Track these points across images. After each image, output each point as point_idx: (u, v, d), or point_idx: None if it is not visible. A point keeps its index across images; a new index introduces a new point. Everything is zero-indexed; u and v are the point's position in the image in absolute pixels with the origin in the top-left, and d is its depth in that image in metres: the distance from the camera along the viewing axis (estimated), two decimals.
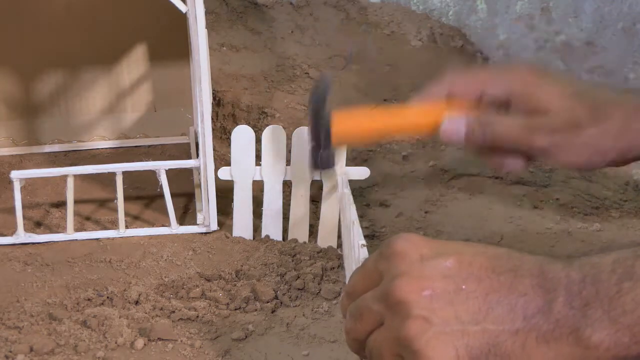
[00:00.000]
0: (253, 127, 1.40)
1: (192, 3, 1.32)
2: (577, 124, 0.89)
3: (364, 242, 1.16)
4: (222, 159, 1.60)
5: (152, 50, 1.72)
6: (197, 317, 1.20)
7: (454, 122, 0.94)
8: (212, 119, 1.42)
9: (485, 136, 0.93)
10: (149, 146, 1.75)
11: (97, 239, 1.41)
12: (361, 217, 1.49)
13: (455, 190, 1.61)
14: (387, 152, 1.72)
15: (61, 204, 1.49)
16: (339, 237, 1.42)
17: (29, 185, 1.53)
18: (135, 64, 1.73)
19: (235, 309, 1.23)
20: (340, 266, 1.35)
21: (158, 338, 1.16)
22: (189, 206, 1.53)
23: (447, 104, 0.97)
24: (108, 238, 1.42)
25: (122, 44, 1.71)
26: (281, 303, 1.25)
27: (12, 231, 1.40)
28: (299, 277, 1.29)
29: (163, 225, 1.45)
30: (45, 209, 1.51)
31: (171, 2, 1.32)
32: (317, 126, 1.02)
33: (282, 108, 1.80)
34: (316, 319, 1.22)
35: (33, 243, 1.40)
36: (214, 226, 1.44)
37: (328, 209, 1.41)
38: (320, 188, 1.42)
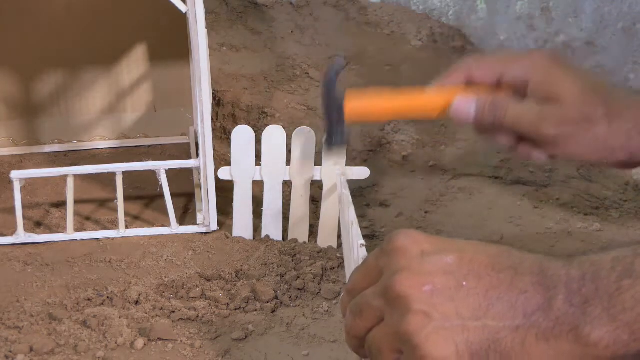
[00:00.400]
0: (253, 127, 1.40)
1: (192, 3, 1.32)
2: (589, 119, 0.89)
3: (363, 241, 1.16)
4: (222, 159, 1.60)
5: (152, 50, 1.72)
6: (197, 317, 1.20)
7: (465, 102, 0.94)
8: (212, 119, 1.42)
9: (495, 118, 0.92)
10: (149, 146, 1.75)
11: (97, 239, 1.41)
12: (361, 217, 1.49)
13: (455, 190, 1.61)
14: (387, 152, 1.72)
15: (61, 204, 1.49)
16: (339, 237, 1.42)
17: (29, 185, 1.53)
18: (135, 64, 1.73)
19: (235, 309, 1.23)
20: (340, 266, 1.35)
21: (158, 338, 1.16)
22: (189, 206, 1.53)
23: (463, 89, 0.97)
24: (108, 238, 1.42)
25: (122, 44, 1.71)
26: (281, 303, 1.25)
27: (12, 231, 1.40)
28: (299, 277, 1.29)
29: (163, 225, 1.45)
30: (45, 209, 1.51)
31: (171, 2, 1.32)
32: (330, 105, 1.02)
33: (282, 108, 1.80)
34: (316, 319, 1.22)
35: (33, 243, 1.40)
36: (214, 226, 1.44)
37: (328, 209, 1.41)
38: (320, 188, 1.42)
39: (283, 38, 1.98)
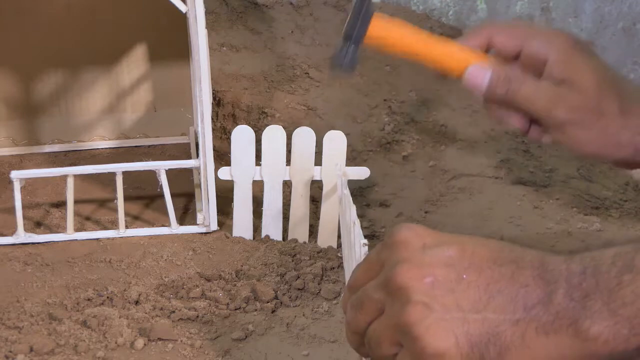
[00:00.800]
0: (253, 127, 1.40)
1: (192, 3, 1.32)
2: (602, 110, 0.87)
3: (365, 241, 1.16)
4: (222, 159, 1.60)
5: (152, 50, 1.72)
6: (197, 317, 1.20)
7: (480, 70, 0.92)
8: (212, 119, 1.42)
9: (507, 92, 0.89)
10: (149, 146, 1.75)
11: (97, 239, 1.41)
12: (361, 217, 1.49)
13: (455, 190, 1.61)
14: (387, 152, 1.72)
15: (61, 204, 1.49)
16: (339, 237, 1.42)
17: (29, 185, 1.53)
18: (135, 64, 1.73)
19: (235, 309, 1.23)
20: (340, 266, 1.35)
21: (158, 338, 1.16)
22: (189, 206, 1.53)
23: (482, 55, 0.94)
24: (108, 238, 1.42)
25: (122, 44, 1.71)
26: (281, 303, 1.25)
27: (12, 231, 1.40)
28: (299, 277, 1.29)
29: (163, 225, 1.45)
30: (45, 209, 1.51)
31: (171, 2, 1.32)
32: (358, 17, 1.00)
33: (282, 108, 1.80)
34: (316, 319, 1.22)
35: (33, 243, 1.40)
36: (214, 226, 1.44)
37: (328, 209, 1.41)
38: (320, 188, 1.42)
39: (283, 38, 1.98)
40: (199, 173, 1.43)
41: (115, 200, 1.41)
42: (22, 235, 1.39)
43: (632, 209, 1.57)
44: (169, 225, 1.43)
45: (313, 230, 1.44)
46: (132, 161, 1.48)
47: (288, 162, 1.40)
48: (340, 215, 1.37)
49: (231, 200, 1.43)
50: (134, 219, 1.48)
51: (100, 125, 1.75)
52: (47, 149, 1.73)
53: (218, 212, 1.43)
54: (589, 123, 0.87)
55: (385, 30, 0.99)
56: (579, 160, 1.70)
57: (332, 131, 1.38)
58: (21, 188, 1.38)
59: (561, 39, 0.91)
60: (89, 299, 1.23)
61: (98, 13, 1.67)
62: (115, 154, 1.71)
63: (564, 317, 0.61)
